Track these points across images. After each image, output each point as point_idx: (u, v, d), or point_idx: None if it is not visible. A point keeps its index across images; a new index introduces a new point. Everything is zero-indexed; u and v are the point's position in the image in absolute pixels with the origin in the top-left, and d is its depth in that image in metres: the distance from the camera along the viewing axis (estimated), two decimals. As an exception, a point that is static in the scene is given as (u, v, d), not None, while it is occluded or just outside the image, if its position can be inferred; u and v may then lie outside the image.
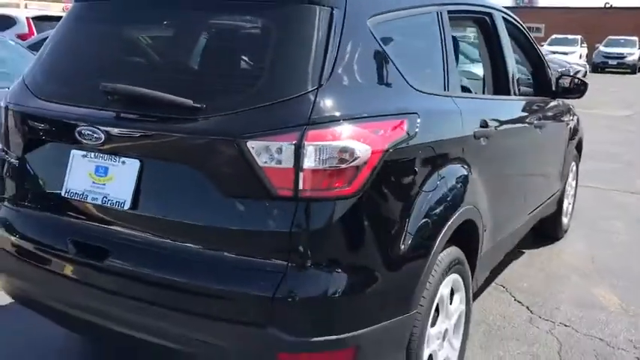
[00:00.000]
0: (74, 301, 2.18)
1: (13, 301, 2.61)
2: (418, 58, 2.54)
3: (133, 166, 2.03)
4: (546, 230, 4.78)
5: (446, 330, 2.51)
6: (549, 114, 3.92)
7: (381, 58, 2.15)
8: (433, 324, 2.38)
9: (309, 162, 1.82)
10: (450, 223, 2.27)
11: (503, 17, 3.40)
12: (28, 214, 2.34)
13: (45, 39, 2.49)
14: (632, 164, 8.13)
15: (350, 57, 2.01)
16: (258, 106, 1.87)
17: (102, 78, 2.08)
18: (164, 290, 1.97)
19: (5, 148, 2.41)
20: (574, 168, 4.93)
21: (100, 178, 2.09)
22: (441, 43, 2.59)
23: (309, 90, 1.87)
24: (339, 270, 1.90)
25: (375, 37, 2.13)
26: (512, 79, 3.30)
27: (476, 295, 3.71)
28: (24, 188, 2.35)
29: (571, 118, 4.48)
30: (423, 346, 2.25)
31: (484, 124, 2.70)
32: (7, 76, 5.05)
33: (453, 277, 2.48)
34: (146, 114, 1.99)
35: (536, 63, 4.04)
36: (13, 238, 2.34)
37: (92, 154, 2.11)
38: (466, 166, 2.51)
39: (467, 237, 2.61)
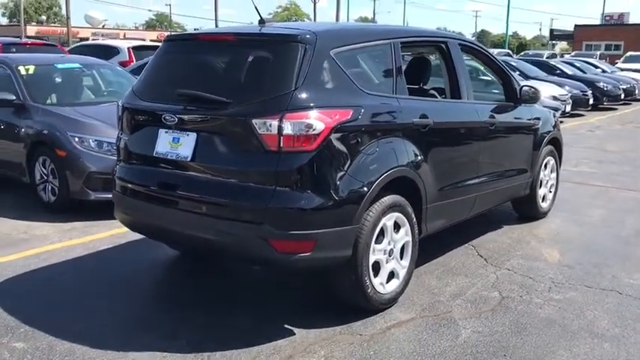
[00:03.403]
0: (162, 218, 3.69)
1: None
2: (370, 73, 3.95)
3: (192, 136, 3.55)
4: (524, 211, 5.96)
5: (391, 250, 3.83)
6: (507, 115, 5.15)
7: (339, 73, 3.56)
8: (379, 242, 3.72)
9: (286, 131, 3.26)
10: (384, 174, 3.60)
11: (460, 44, 4.72)
12: (132, 168, 3.91)
13: (142, 65, 4.09)
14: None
15: (316, 72, 3.44)
16: (260, 100, 3.35)
17: (176, 86, 3.64)
18: (207, 204, 3.45)
19: (120, 130, 4.02)
20: (551, 162, 6.05)
21: (175, 144, 3.62)
22: (392, 62, 3.96)
23: (289, 91, 3.32)
24: (307, 192, 3.30)
25: (335, 61, 3.55)
26: (464, 88, 4.59)
27: (448, 249, 5.01)
28: (130, 153, 3.92)
29: (539, 121, 5.64)
30: (368, 252, 3.60)
31: (424, 117, 4.03)
32: (116, 93, 6.86)
33: (396, 215, 3.81)
34: (200, 106, 3.53)
35: (501, 77, 5.32)
36: (124, 184, 3.92)
37: (171, 130, 3.65)
38: (405, 143, 3.84)
39: (410, 190, 3.94)
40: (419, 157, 3.97)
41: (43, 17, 75.87)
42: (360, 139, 3.53)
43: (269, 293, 4.17)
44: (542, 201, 6.00)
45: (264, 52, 3.54)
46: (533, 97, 5.35)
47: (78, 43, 17.06)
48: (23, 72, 6.57)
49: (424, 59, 4.83)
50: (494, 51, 31.41)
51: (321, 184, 3.36)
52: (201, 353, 3.30)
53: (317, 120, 3.32)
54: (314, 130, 3.30)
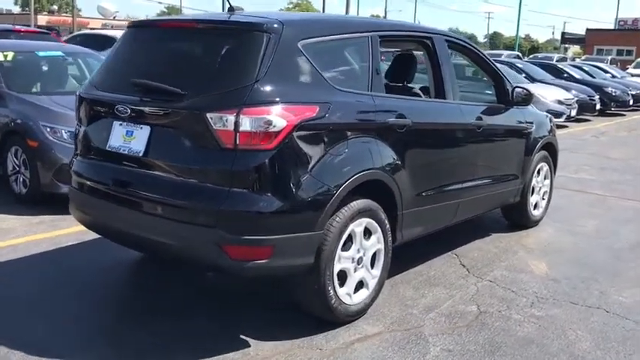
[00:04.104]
0: (115, 218, 3.44)
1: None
2: (343, 67, 3.68)
3: (146, 130, 3.30)
4: (514, 219, 5.68)
5: (360, 258, 3.57)
6: (497, 117, 4.87)
7: (307, 67, 3.30)
8: (346, 249, 3.46)
9: (243, 127, 3.00)
10: (352, 177, 3.34)
11: (447, 40, 4.44)
12: (87, 162, 3.66)
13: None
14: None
15: (281, 65, 3.17)
16: (217, 93, 3.09)
17: (134, 76, 3.38)
18: (159, 204, 3.20)
19: (77, 121, 3.78)
20: (545, 167, 5.77)
21: (128, 137, 3.37)
22: (369, 57, 3.70)
23: (248, 84, 3.06)
24: (264, 194, 3.05)
25: (303, 53, 3.29)
26: (449, 87, 4.32)
27: (429, 257, 4.74)
28: (86, 146, 3.68)
29: (532, 125, 5.36)
30: (333, 260, 3.34)
31: (401, 117, 3.76)
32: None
33: (366, 221, 3.55)
34: (154, 97, 3.27)
35: (493, 77, 5.04)
36: (79, 179, 3.67)
37: (125, 122, 3.40)
38: (378, 144, 3.58)
39: (384, 195, 3.68)
40: (394, 160, 3.70)
41: (55, 7, 76.13)
42: (326, 139, 3.27)
43: (232, 300, 3.92)
44: (534, 209, 5.72)
45: (226, 41, 3.28)
46: (525, 99, 5.07)
47: (75, 33, 16.86)
48: (1, 58, 6.35)
49: (409, 56, 4.56)
50: (504, 53, 31.03)
51: (281, 186, 3.10)
52: (144, 365, 3.07)
53: (278, 116, 3.06)
54: (274, 127, 3.04)
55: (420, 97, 4.43)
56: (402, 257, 4.36)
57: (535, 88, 10.71)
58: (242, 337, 3.37)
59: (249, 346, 3.28)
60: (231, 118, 3.00)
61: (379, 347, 3.33)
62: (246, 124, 3.00)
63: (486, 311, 3.85)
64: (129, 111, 3.33)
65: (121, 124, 3.43)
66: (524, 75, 15.32)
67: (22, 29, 11.55)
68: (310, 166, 3.19)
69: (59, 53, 6.99)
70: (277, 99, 3.10)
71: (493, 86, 5.12)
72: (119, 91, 3.46)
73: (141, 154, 3.29)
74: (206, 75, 3.22)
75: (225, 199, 3.03)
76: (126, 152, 3.36)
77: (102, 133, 3.53)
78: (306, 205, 3.17)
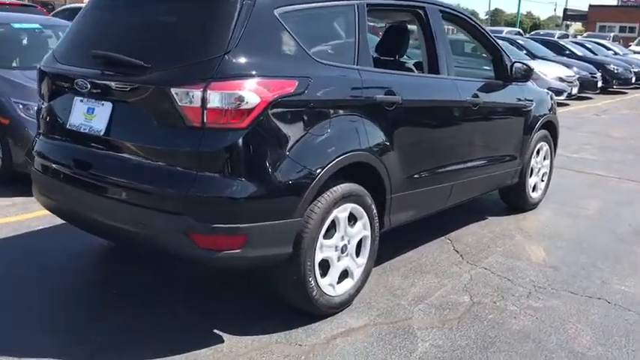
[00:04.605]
0: (78, 203, 3.17)
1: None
2: (326, 39, 3.37)
3: (107, 107, 3.00)
4: (512, 201, 5.41)
5: (345, 246, 3.30)
6: (495, 94, 4.58)
7: (285, 37, 2.99)
8: (329, 237, 3.19)
9: (212, 104, 2.71)
10: (335, 160, 3.05)
11: (441, 11, 4.12)
12: (49, 142, 3.37)
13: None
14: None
15: (255, 34, 2.86)
16: (183, 65, 2.79)
17: (93, 47, 3.08)
18: (122, 189, 2.92)
19: (40, 97, 3.48)
20: (545, 147, 5.48)
21: (89, 115, 3.08)
22: (355, 28, 3.39)
23: (218, 55, 2.75)
24: (236, 179, 2.76)
25: (281, 22, 2.98)
26: (443, 61, 4.01)
27: (420, 242, 4.48)
28: (48, 125, 3.38)
29: (532, 102, 5.06)
30: (314, 249, 3.07)
31: (390, 93, 3.46)
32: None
33: (351, 206, 3.28)
34: (116, 71, 2.97)
35: (491, 52, 4.73)
36: (41, 161, 3.39)
37: (85, 99, 3.10)
38: (365, 123, 3.29)
39: (371, 178, 3.40)
40: (382, 140, 3.42)
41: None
42: (306, 117, 2.98)
43: (207, 289, 3.64)
44: (533, 191, 5.45)
45: (194, 7, 2.96)
46: (525, 75, 4.77)
47: (63, 6, 16.41)
48: (-28, 31, 6.03)
49: (400, 27, 4.25)
50: (505, 29, 30.45)
51: (255, 169, 2.82)
52: (104, 363, 2.82)
53: (251, 92, 2.76)
54: (246, 103, 2.75)
55: (413, 72, 4.12)
56: (391, 243, 4.11)
57: (536, 65, 10.36)
58: (215, 330, 3.12)
59: (223, 341, 3.03)
60: (198, 93, 2.70)
61: (363, 342, 3.08)
62: (214, 100, 2.71)
63: (480, 302, 3.60)
64: (89, 86, 3.03)
65: (81, 101, 3.14)
66: (525, 52, 14.93)
67: (7, 1, 11.14)
68: (288, 147, 2.90)
69: (36, 26, 6.63)
70: (250, 72, 2.80)
71: (491, 61, 4.81)
72: (80, 64, 3.16)
73: (102, 134, 3.01)
74: (172, 46, 2.92)
75: (193, 183, 2.75)
76: (87, 131, 3.08)
77: (63, 111, 3.24)
78: (283, 190, 2.89)
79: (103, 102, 3.03)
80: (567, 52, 17.67)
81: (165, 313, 3.27)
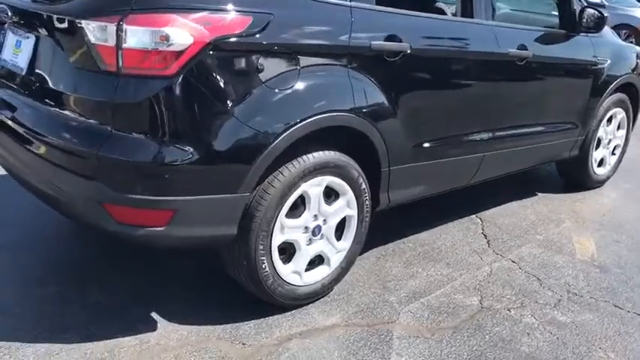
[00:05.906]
0: (9, 155, 2.72)
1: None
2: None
3: (31, 40, 2.50)
4: (571, 176, 4.55)
5: (318, 227, 2.69)
6: (552, 47, 3.68)
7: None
8: (295, 216, 2.59)
9: (128, 43, 2.12)
10: (302, 122, 2.41)
11: None
12: None
13: None
14: None
15: None
16: (101, -8, 2.20)
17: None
18: (41, 142, 2.42)
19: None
20: (619, 115, 4.52)
21: (17, 50, 2.59)
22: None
23: (138, -19, 2.14)
24: (159, 139, 2.19)
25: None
26: (480, 3, 3.19)
27: (441, 221, 3.78)
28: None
29: (607, 59, 4.09)
30: (270, 230, 2.49)
31: (393, 38, 2.72)
32: None
33: (329, 179, 2.64)
34: (36, -1, 2.43)
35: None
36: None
37: (15, 30, 2.61)
38: (353, 76, 2.59)
39: (363, 147, 2.74)
40: (378, 100, 2.71)
41: None
42: (263, 66, 2.32)
43: (153, 267, 3.02)
44: (599, 166, 4.54)
45: None
46: (598, 24, 3.82)
47: None
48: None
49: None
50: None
51: (184, 129, 2.23)
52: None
53: (181, 29, 2.14)
54: (174, 44, 2.13)
55: (442, 15, 3.33)
56: (403, 217, 3.44)
57: None
58: (152, 315, 2.64)
59: (154, 330, 2.54)
60: (112, 28, 2.12)
61: (321, 350, 2.50)
62: (132, 38, 2.12)
63: (490, 307, 2.90)
64: (9, 13, 2.53)
65: (14, 33, 2.65)
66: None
67: None
68: (232, 103, 2.27)
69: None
70: (184, 3, 2.17)
71: (556, 5, 3.89)
72: None
73: (24, 73, 2.51)
74: None
75: (105, 141, 2.21)
76: (13, 69, 2.60)
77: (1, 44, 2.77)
78: (223, 157, 2.29)
79: (28, 34, 2.53)
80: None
81: (92, 295, 2.74)
